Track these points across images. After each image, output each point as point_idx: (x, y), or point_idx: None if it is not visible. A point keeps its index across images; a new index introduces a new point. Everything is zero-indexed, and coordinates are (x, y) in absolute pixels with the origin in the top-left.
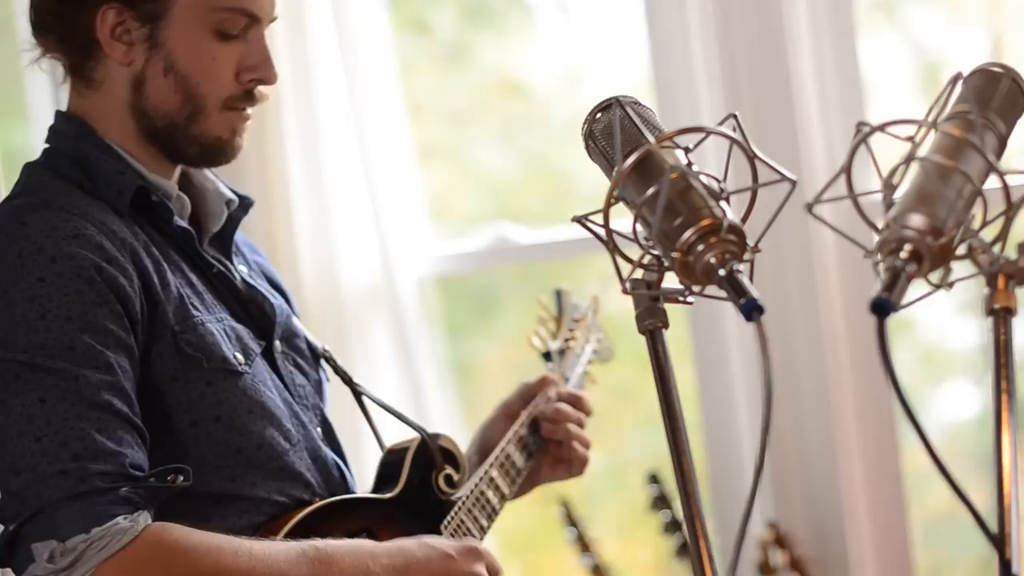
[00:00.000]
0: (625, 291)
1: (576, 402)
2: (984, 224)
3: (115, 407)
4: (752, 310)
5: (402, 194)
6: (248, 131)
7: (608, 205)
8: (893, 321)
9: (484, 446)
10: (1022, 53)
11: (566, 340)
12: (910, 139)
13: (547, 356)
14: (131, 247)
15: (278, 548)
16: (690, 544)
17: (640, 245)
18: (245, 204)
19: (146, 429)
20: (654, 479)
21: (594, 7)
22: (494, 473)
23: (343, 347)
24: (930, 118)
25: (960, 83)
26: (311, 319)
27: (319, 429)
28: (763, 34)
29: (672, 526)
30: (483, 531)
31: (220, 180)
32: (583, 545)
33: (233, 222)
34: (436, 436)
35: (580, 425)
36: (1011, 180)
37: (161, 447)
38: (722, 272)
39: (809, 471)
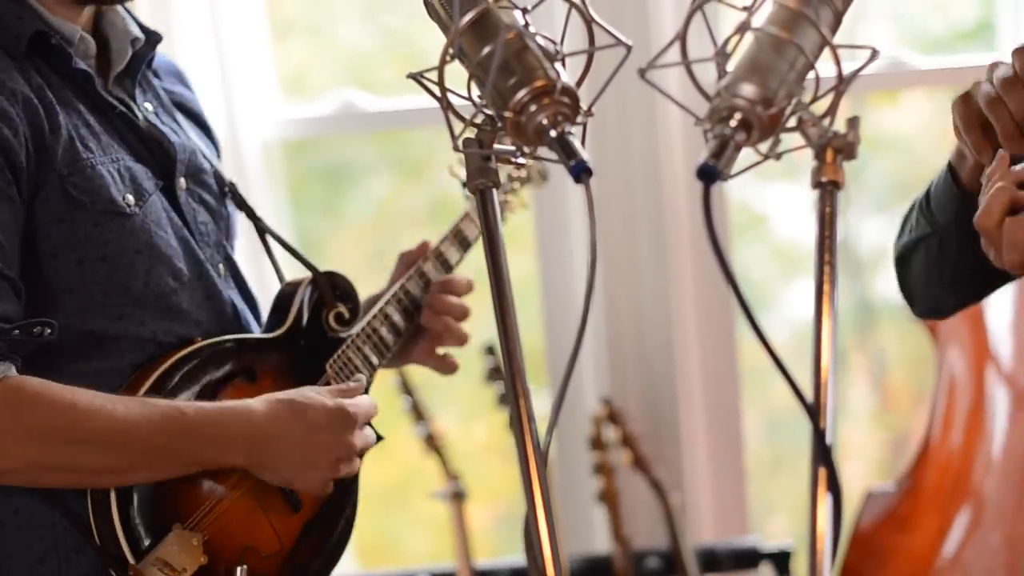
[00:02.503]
0: (457, 149)
1: (447, 286)
2: (815, 98)
3: None
4: (581, 172)
5: (252, 60)
6: None
7: (443, 63)
8: (748, 216)
9: (368, 307)
10: None
11: None
12: (746, 9)
13: (465, 184)
14: (22, 95)
15: (140, 410)
16: (509, 399)
17: (474, 104)
18: (152, 40)
19: (37, 273)
20: (490, 351)
21: None
22: (389, 309)
23: None
24: None
25: None
26: None
27: (221, 267)
28: None
29: (505, 397)
30: (372, 368)
31: (131, 17)
32: (418, 414)
33: (138, 60)
34: (330, 274)
35: (462, 315)
36: (844, 55)
37: (48, 287)
38: (553, 133)
39: (645, 347)
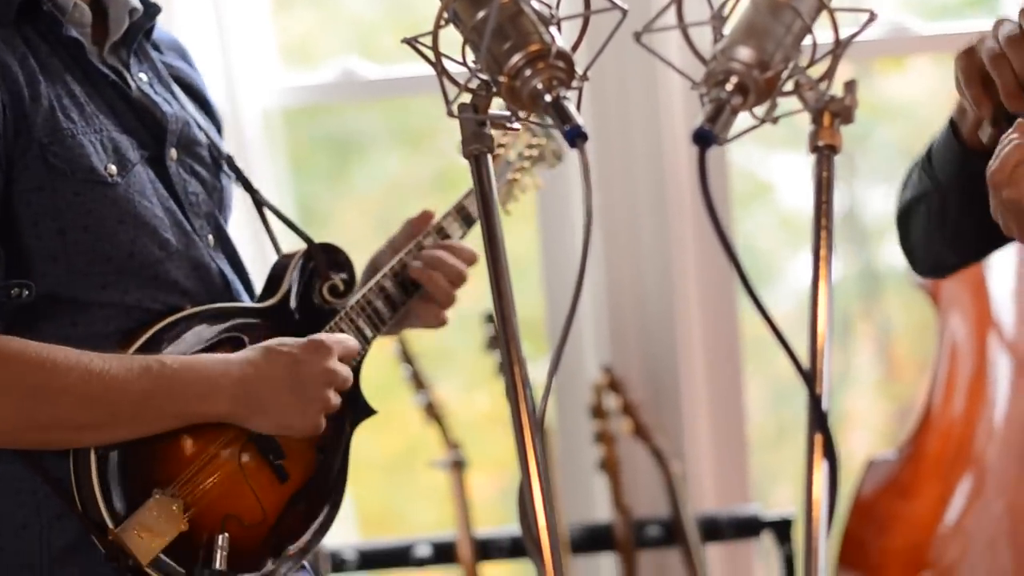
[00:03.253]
0: (451, 114)
1: (452, 250)
2: (812, 61)
3: None
4: (576, 137)
5: (251, 28)
6: None
7: (437, 27)
8: (753, 184)
9: (370, 275)
10: None
11: (498, 146)
12: None
13: None
14: (2, 63)
15: (119, 363)
16: (504, 366)
17: (469, 68)
18: (151, 12)
19: (17, 237)
20: (491, 319)
21: None
22: (386, 283)
23: None
24: None
25: None
26: None
27: (211, 237)
28: None
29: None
30: (366, 340)
31: None
32: (418, 383)
33: (135, 30)
34: (326, 246)
35: (458, 279)
36: (841, 19)
37: (31, 253)
38: (548, 98)
39: (646, 315)
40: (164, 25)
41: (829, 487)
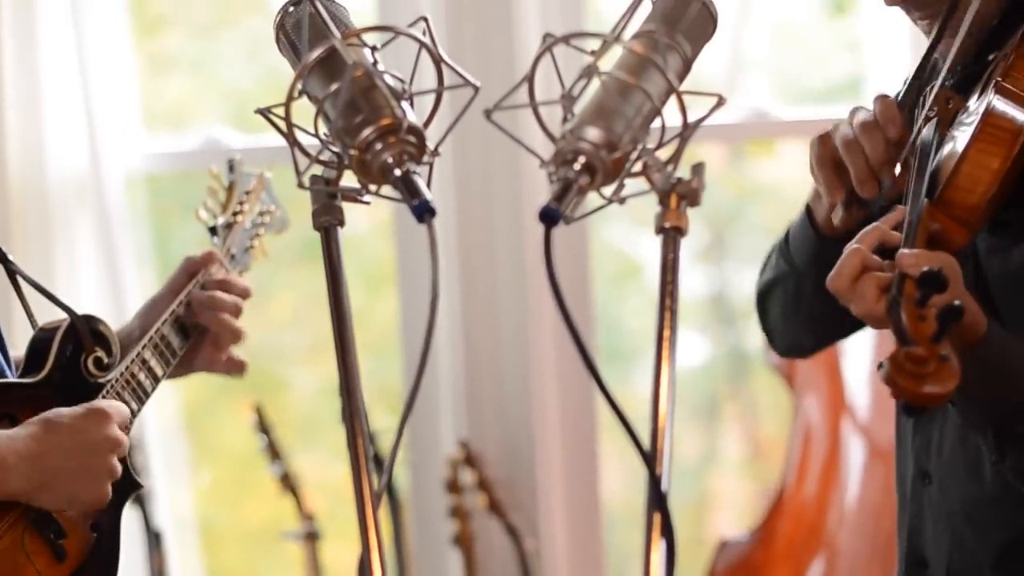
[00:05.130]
0: (302, 186)
1: (226, 286)
2: (660, 144)
3: None
4: (424, 212)
5: (119, 95)
6: None
7: (290, 99)
8: (622, 266)
9: (144, 325)
10: (771, 4)
11: (234, 214)
12: (594, 53)
13: (213, 231)
14: None
15: None
16: (348, 440)
17: (320, 140)
18: None
19: None
20: None
21: None
22: (147, 355)
23: (47, 240)
24: (615, 34)
25: (651, 2)
26: (15, 210)
27: None
28: None
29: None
30: (133, 414)
31: None
32: (273, 453)
33: None
34: (87, 318)
35: (237, 313)
36: (690, 104)
37: None
38: (397, 172)
39: (503, 389)
40: (27, 85)
41: (667, 566)
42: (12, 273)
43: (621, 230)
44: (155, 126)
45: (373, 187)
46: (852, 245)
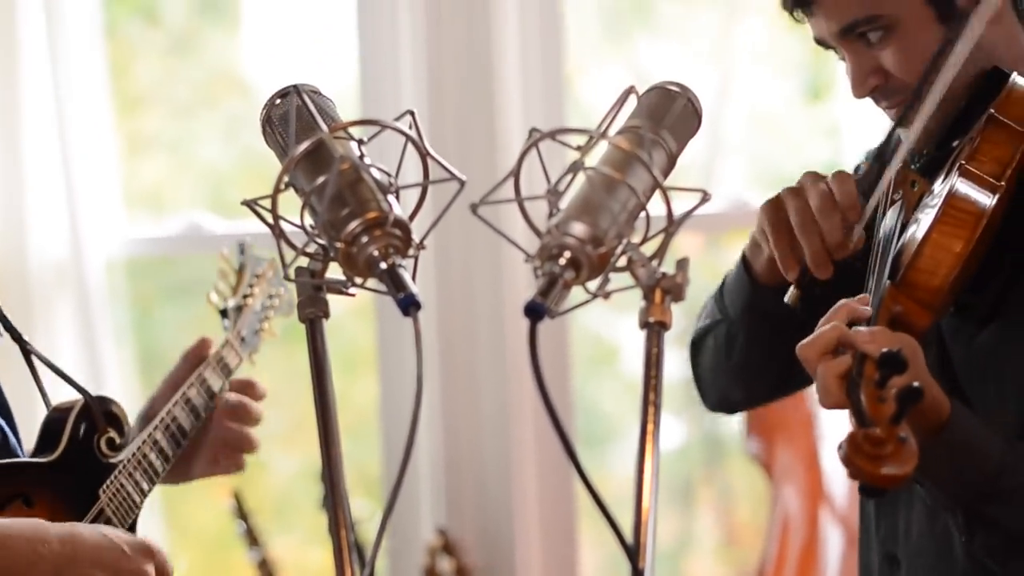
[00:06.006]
0: (287, 278)
1: (248, 389)
2: (645, 239)
3: None
4: (409, 305)
5: (99, 175)
6: None
7: (277, 191)
8: (600, 350)
9: (149, 416)
10: (749, 91)
11: (244, 296)
12: (580, 148)
13: (224, 313)
14: None
15: None
16: (331, 531)
17: (306, 233)
18: None
19: None
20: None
21: (313, 8)
22: (158, 436)
23: (27, 324)
24: (600, 130)
25: (636, 98)
26: None
27: None
28: (471, 49)
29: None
30: (144, 494)
31: None
32: (252, 539)
33: None
34: (101, 399)
35: (258, 423)
36: (674, 197)
37: None
38: (383, 265)
39: (483, 478)
40: (8, 166)
41: None
42: (27, 353)
43: (599, 315)
44: (135, 207)
45: (359, 280)
46: (831, 321)
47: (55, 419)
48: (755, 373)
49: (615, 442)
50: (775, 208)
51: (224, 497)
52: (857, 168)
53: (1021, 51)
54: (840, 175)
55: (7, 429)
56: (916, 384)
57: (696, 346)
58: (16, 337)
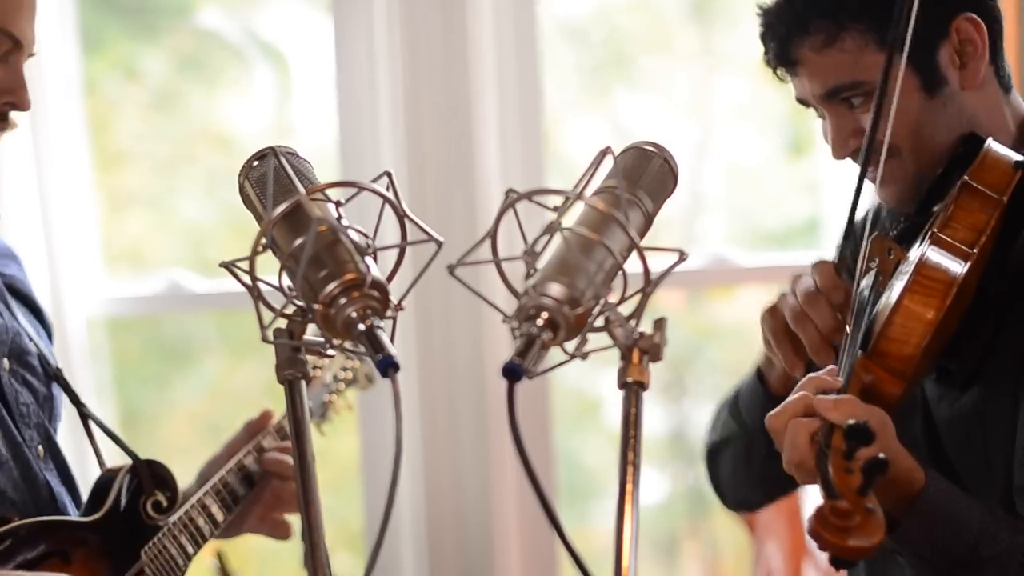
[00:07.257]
0: (266, 339)
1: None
2: (623, 299)
3: None
4: (388, 367)
5: (79, 235)
6: None
7: (255, 253)
8: (582, 403)
9: (205, 477)
10: (729, 146)
11: (314, 368)
12: (556, 209)
13: None
14: None
15: None
16: None
17: (284, 294)
18: None
19: None
20: None
21: (292, 65)
22: (208, 500)
23: None
24: (577, 190)
25: (612, 158)
26: None
27: (40, 447)
28: (450, 107)
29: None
30: (188, 557)
31: None
32: None
33: None
34: (149, 462)
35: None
36: (652, 256)
37: None
38: (361, 327)
39: (465, 535)
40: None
41: None
42: (84, 417)
43: (580, 369)
44: (116, 264)
45: (337, 341)
46: (799, 391)
47: (104, 480)
48: (776, 478)
49: (598, 496)
50: (771, 315)
51: (207, 556)
52: (839, 247)
53: (1002, 119)
54: (817, 264)
55: (57, 487)
56: (882, 456)
57: (713, 456)
58: (75, 401)
